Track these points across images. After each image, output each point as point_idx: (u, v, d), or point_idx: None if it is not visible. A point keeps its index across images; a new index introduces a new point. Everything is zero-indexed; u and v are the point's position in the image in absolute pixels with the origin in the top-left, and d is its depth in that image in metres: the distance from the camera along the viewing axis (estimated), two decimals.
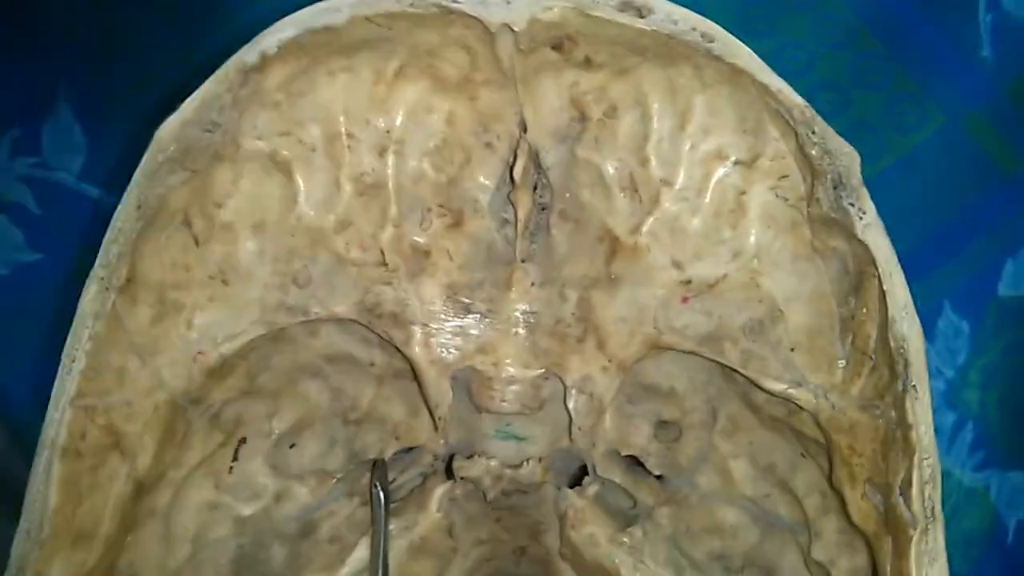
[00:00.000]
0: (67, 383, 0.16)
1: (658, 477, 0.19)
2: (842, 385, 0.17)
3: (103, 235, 0.18)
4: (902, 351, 0.16)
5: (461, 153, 0.18)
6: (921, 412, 0.16)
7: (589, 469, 0.19)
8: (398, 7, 0.16)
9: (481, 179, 0.18)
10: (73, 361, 0.16)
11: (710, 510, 0.19)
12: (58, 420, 0.16)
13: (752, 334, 0.17)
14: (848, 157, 0.17)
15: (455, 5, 0.16)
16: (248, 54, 0.17)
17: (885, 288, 0.17)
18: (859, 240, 0.17)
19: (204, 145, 0.17)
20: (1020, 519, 0.37)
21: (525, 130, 0.17)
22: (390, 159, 0.17)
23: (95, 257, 0.17)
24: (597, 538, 0.18)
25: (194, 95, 0.17)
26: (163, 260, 0.17)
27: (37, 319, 0.34)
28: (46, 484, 0.16)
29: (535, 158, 0.17)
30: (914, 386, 0.16)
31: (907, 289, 0.17)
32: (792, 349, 0.17)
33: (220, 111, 0.17)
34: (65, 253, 0.38)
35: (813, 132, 0.17)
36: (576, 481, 0.19)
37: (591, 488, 0.19)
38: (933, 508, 0.16)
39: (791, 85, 0.38)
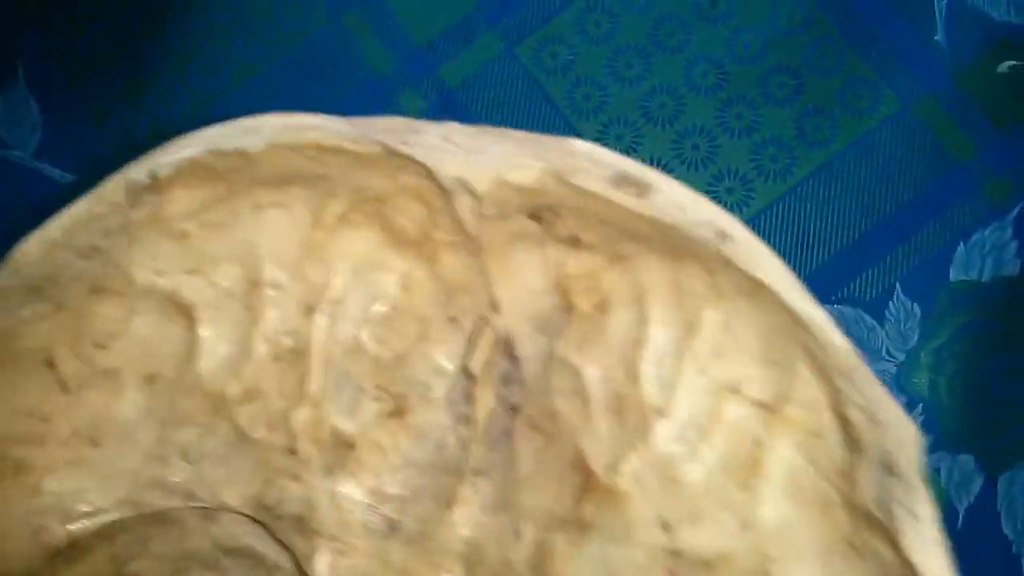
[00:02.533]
0: None
1: None
2: None
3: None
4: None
5: (416, 325, 0.14)
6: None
7: None
8: (333, 139, 0.13)
9: (439, 360, 0.14)
10: None
11: None
12: None
13: None
14: (904, 433, 0.12)
15: (401, 147, 0.13)
16: (135, 171, 0.14)
17: None
18: (903, 556, 0.12)
19: (76, 274, 0.14)
20: (970, 503, 0.37)
21: (496, 310, 0.14)
22: (321, 321, 0.14)
23: None
24: None
25: (63, 212, 0.14)
26: (9, 405, 0.14)
27: None
28: None
29: (507, 346, 0.14)
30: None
31: None
32: None
33: (104, 235, 0.14)
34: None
35: (854, 386, 0.12)
36: None
37: None
38: None
39: (747, 70, 0.39)
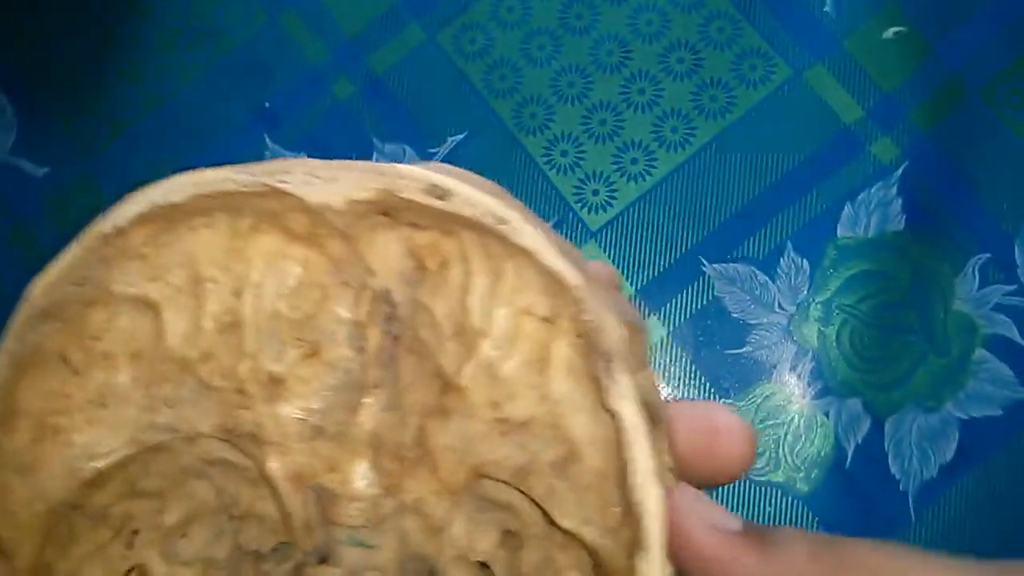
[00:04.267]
0: None
1: None
2: (614, 530, 0.18)
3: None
4: (639, 514, 0.18)
5: (317, 291, 0.20)
6: (646, 569, 0.18)
7: (437, 573, 0.21)
8: (233, 187, 0.19)
9: (338, 312, 0.20)
10: None
11: None
12: None
13: (555, 470, 0.19)
14: (615, 332, 0.19)
15: (280, 185, 0.19)
16: (104, 225, 0.19)
17: (627, 456, 0.18)
18: (610, 407, 0.18)
19: (74, 296, 0.19)
20: (858, 443, 0.40)
21: (372, 274, 0.20)
22: (248, 300, 0.20)
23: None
24: None
25: (60, 259, 0.19)
26: (41, 392, 0.19)
27: None
28: None
29: (385, 297, 0.20)
30: (647, 547, 0.18)
31: (650, 458, 0.18)
32: (584, 489, 0.19)
33: (88, 267, 0.19)
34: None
35: (586, 308, 0.18)
36: None
37: None
38: None
39: (649, 47, 0.41)
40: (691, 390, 0.40)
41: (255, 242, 0.20)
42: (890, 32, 0.40)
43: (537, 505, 0.19)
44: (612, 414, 0.18)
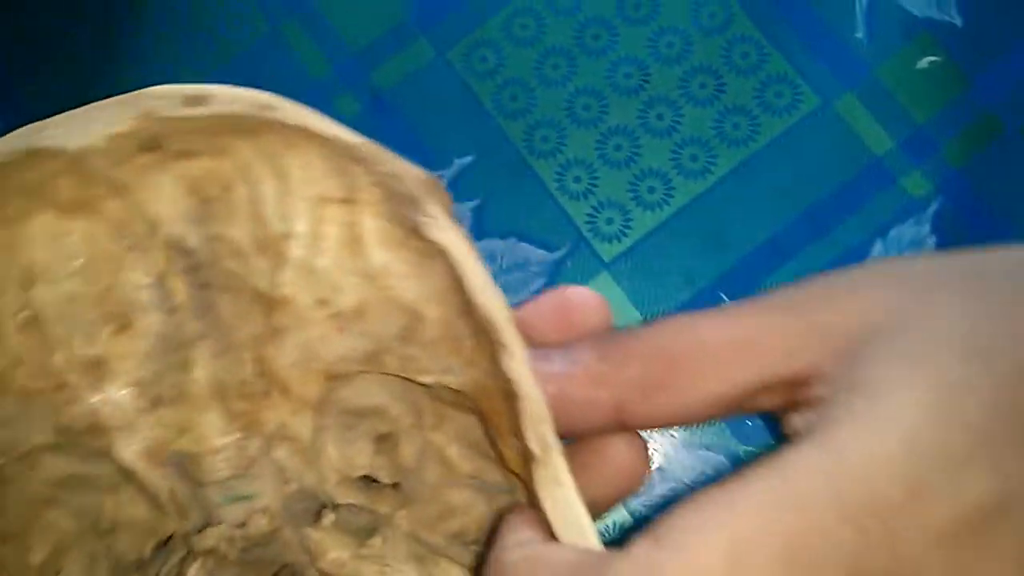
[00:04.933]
0: None
1: (394, 486, 0.20)
2: (473, 360, 0.18)
3: None
4: (489, 321, 0.17)
5: (109, 263, 0.19)
6: (516, 364, 0.17)
7: (326, 502, 0.20)
8: None
9: (136, 279, 0.19)
10: None
11: (441, 497, 0.20)
12: None
13: (403, 341, 0.18)
14: (413, 176, 0.18)
15: (42, 144, 0.17)
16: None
17: (460, 274, 0.18)
18: (431, 240, 0.18)
19: None
20: None
21: (157, 225, 0.18)
22: (39, 291, 0.18)
23: None
24: (342, 559, 0.20)
25: None
26: None
27: None
28: None
29: (179, 245, 0.19)
30: (506, 345, 0.17)
31: (483, 269, 0.18)
32: (434, 342, 0.18)
33: None
34: None
35: (377, 161, 0.18)
36: (317, 519, 0.21)
37: (327, 518, 0.20)
38: (546, 443, 0.17)
39: (669, 71, 0.39)
40: (713, 433, 0.38)
41: (28, 227, 0.18)
42: (925, 62, 0.38)
43: (400, 379, 0.19)
44: (435, 250, 0.17)
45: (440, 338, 0.18)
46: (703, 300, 0.38)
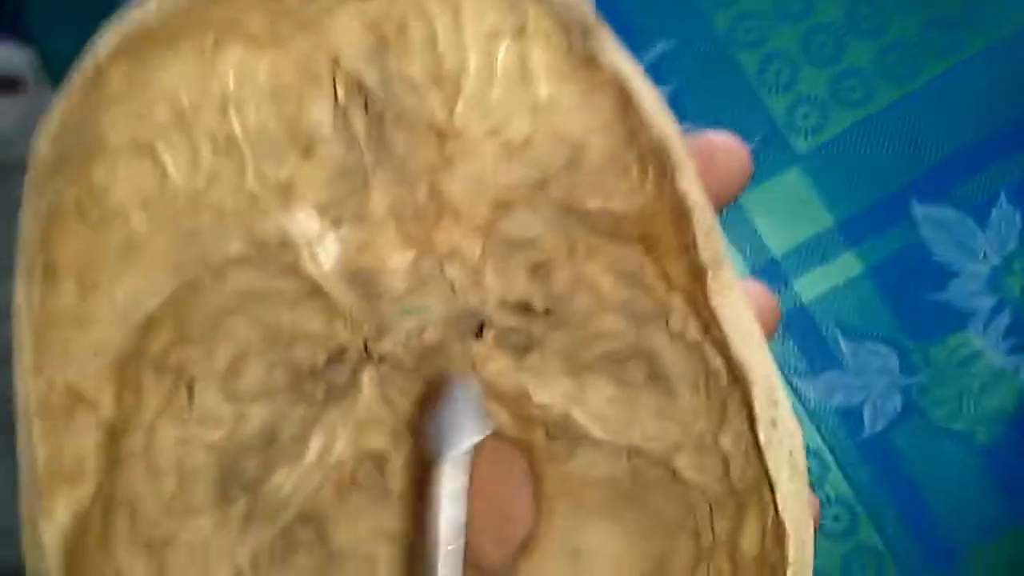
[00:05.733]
0: (24, 357, 0.19)
1: (546, 312, 0.21)
2: (639, 186, 0.19)
3: None
4: (662, 145, 0.19)
5: (295, 94, 0.20)
6: (687, 182, 0.19)
7: (486, 321, 0.22)
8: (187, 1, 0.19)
9: (319, 111, 0.20)
10: (22, 342, 0.19)
11: (592, 323, 0.21)
12: (24, 388, 0.19)
13: (568, 170, 0.20)
14: (582, 7, 0.19)
15: None
16: (87, 65, 0.19)
17: (634, 98, 0.19)
18: (606, 67, 0.19)
19: (74, 151, 0.19)
20: None
21: (339, 63, 0.20)
22: (233, 116, 0.20)
23: None
24: (503, 370, 0.21)
25: (50, 114, 0.19)
26: (72, 248, 0.19)
27: None
28: (30, 444, 0.18)
29: (358, 83, 0.20)
30: (679, 164, 0.19)
31: (656, 95, 0.19)
32: (599, 171, 0.20)
33: (79, 118, 0.19)
34: None
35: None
36: (479, 335, 0.22)
37: (489, 335, 0.21)
38: (717, 253, 0.19)
39: None
40: (882, 331, 0.39)
41: (223, 58, 0.19)
42: None
43: (565, 210, 0.20)
44: (603, 80, 0.19)
45: (605, 167, 0.20)
46: (892, 202, 0.39)
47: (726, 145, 0.20)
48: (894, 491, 0.40)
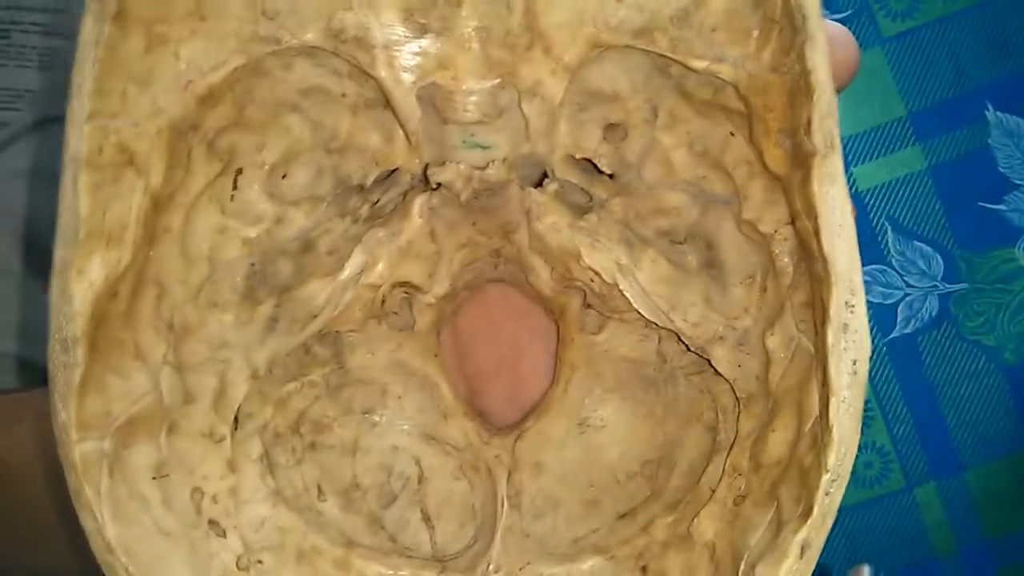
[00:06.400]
0: (80, 104, 0.18)
1: (610, 176, 0.21)
2: (756, 53, 0.18)
3: None
4: (798, 10, 0.18)
5: None
6: (818, 56, 0.18)
7: (548, 172, 0.21)
8: None
9: None
10: (81, 85, 0.18)
11: (656, 196, 0.21)
12: (76, 137, 0.18)
13: (678, 22, 0.19)
14: None
15: None
16: None
17: None
18: None
19: None
20: None
21: None
22: None
23: None
24: (559, 225, 0.21)
25: None
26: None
27: None
28: (74, 194, 0.18)
29: None
30: (812, 35, 0.18)
31: None
32: (713, 30, 0.19)
33: None
34: None
35: None
36: (539, 185, 0.21)
37: (551, 186, 0.20)
38: (832, 138, 0.18)
39: None
40: (932, 232, 0.38)
41: None
42: None
43: (668, 66, 0.19)
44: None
45: (722, 26, 0.19)
46: (967, 102, 0.38)
47: (842, 38, 0.19)
48: (911, 395, 0.39)
